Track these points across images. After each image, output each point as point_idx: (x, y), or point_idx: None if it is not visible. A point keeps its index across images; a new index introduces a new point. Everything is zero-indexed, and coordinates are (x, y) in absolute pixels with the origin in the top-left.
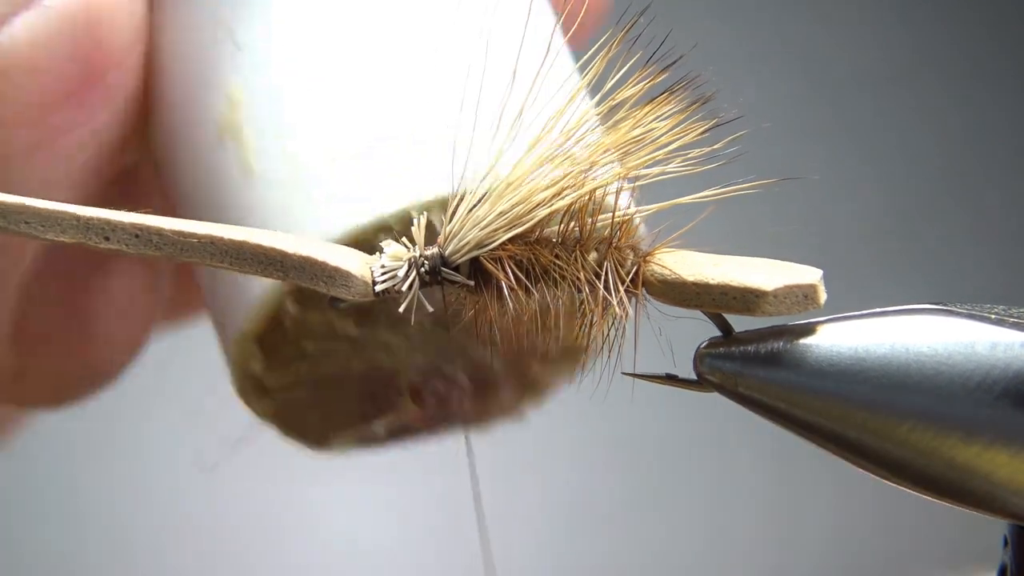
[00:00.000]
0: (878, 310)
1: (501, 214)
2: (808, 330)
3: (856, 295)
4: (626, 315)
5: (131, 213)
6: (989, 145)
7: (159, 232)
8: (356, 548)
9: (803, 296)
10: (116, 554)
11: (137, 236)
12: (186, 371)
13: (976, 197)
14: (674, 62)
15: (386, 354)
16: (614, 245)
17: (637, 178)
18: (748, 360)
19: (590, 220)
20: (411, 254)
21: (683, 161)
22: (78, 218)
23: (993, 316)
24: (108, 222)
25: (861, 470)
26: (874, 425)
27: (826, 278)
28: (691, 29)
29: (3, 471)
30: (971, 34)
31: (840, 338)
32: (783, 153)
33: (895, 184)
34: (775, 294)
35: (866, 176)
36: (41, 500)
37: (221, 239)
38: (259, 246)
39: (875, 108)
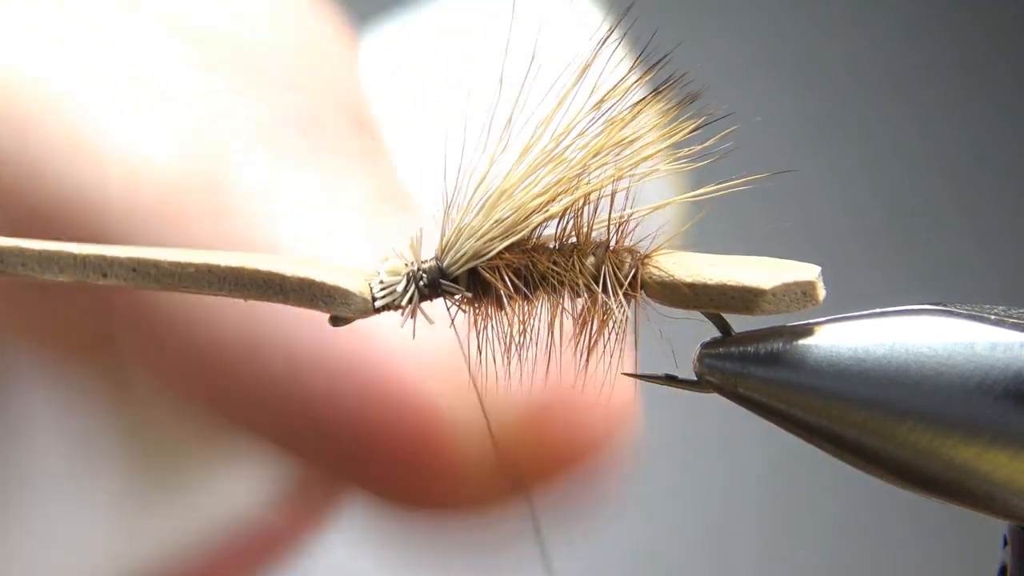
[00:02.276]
0: (878, 310)
1: (496, 223)
2: (808, 330)
3: (856, 295)
4: (626, 318)
5: (127, 247)
6: (987, 145)
7: (156, 264)
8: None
9: (802, 293)
10: None
11: (135, 270)
12: None
13: (975, 197)
14: (660, 60)
15: None
16: (611, 248)
17: (630, 180)
18: (748, 360)
19: (586, 224)
20: (409, 268)
21: (676, 160)
22: (75, 256)
23: (993, 316)
24: (104, 258)
25: (861, 470)
26: (874, 425)
27: (825, 279)
28: (691, 34)
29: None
30: (968, 36)
31: (840, 338)
32: (782, 156)
33: (894, 185)
34: (774, 292)
35: (865, 177)
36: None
37: (218, 266)
38: (257, 271)
39: (874, 109)
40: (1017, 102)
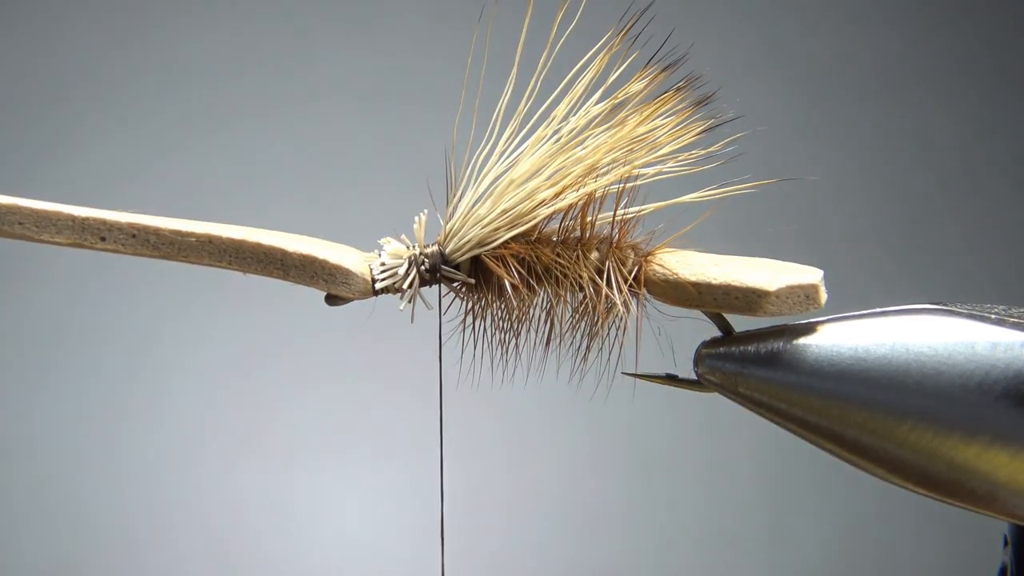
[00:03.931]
0: (878, 310)
1: (503, 212)
2: (808, 330)
3: (856, 295)
4: (629, 314)
5: (127, 212)
6: (984, 146)
7: (156, 232)
8: (352, 544)
9: (805, 296)
10: (115, 552)
11: (134, 236)
12: (185, 371)
13: (974, 198)
14: (678, 60)
15: None
16: (615, 244)
17: (637, 178)
18: (748, 360)
19: (591, 219)
20: (411, 252)
21: (683, 161)
22: (74, 218)
23: (993, 316)
24: (104, 221)
25: (861, 470)
26: (874, 425)
27: (826, 279)
28: (689, 34)
29: (3, 471)
30: (965, 38)
31: (840, 338)
32: (782, 156)
33: (893, 185)
34: (777, 294)
35: (865, 177)
36: (41, 497)
37: (219, 238)
38: (259, 244)
39: (872, 113)
40: (1014, 103)
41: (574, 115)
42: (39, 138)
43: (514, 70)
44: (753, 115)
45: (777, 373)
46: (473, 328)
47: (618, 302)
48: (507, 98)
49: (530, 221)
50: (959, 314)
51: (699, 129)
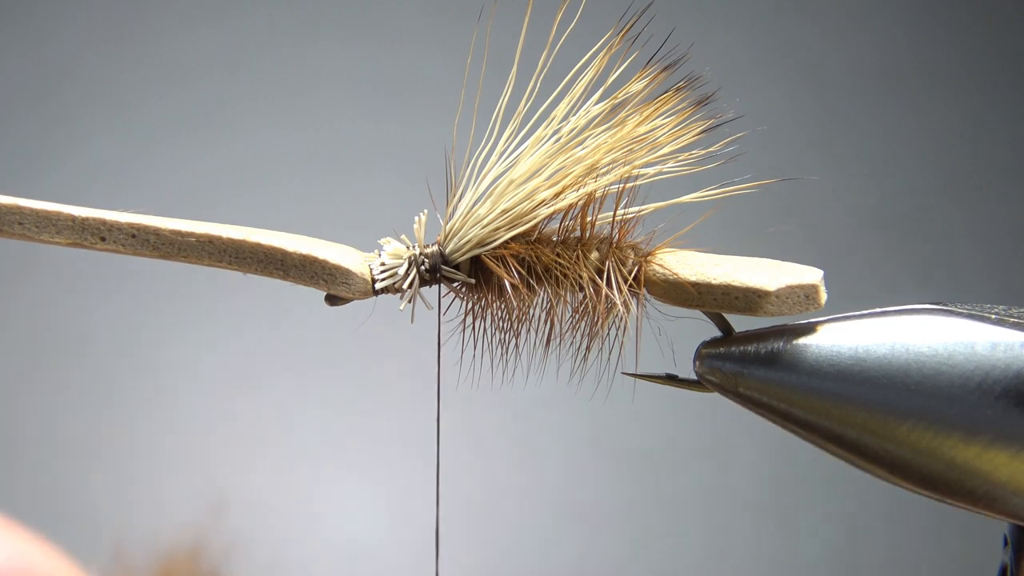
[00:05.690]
0: (878, 310)
1: (503, 212)
2: (808, 330)
3: (856, 295)
4: (629, 314)
5: (126, 213)
6: (987, 145)
7: (156, 232)
8: (354, 546)
9: (804, 296)
10: (111, 552)
11: (134, 236)
12: (182, 374)
13: (975, 197)
14: (678, 61)
15: None
16: (615, 244)
17: (637, 178)
18: (748, 360)
19: (591, 219)
20: (411, 252)
21: (683, 161)
22: (74, 218)
23: (993, 316)
24: (104, 222)
25: (861, 470)
26: (874, 425)
27: (826, 279)
28: (690, 32)
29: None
30: (967, 35)
31: (840, 338)
32: (783, 155)
33: (894, 184)
34: (777, 294)
35: (866, 177)
36: (39, 496)
37: (219, 238)
38: (259, 244)
39: (874, 111)
40: (1016, 101)
41: (574, 115)
42: (38, 138)
43: (514, 70)
44: (754, 114)
45: (777, 373)
46: (473, 328)
47: (618, 302)
48: (507, 98)
49: (530, 221)
50: (959, 314)
51: (699, 129)
